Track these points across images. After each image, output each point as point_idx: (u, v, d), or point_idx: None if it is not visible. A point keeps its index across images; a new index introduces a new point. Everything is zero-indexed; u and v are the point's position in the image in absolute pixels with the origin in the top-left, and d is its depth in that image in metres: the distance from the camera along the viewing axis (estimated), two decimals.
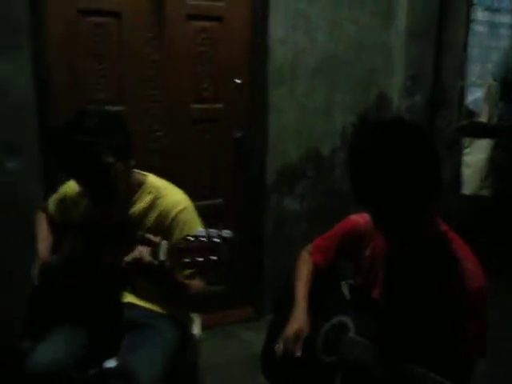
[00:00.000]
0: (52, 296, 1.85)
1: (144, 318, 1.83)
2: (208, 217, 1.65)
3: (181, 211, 1.76)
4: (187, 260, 1.38)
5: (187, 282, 1.70)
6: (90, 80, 2.69)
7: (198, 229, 1.41)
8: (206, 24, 2.88)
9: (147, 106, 2.83)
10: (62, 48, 2.60)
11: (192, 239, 1.38)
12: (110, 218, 1.74)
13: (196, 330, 2.04)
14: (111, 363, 1.81)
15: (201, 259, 1.36)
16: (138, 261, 1.46)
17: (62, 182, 1.97)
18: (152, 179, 1.84)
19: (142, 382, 1.64)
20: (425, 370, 1.30)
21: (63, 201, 1.93)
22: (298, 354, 1.61)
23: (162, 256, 1.43)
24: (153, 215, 1.77)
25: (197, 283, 1.75)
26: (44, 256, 1.90)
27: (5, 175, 2.52)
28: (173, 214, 1.75)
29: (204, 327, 2.10)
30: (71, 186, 1.87)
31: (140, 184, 1.80)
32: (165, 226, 1.75)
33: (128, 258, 1.47)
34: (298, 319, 1.67)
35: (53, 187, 2.06)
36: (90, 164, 1.59)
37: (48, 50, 2.55)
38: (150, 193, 1.79)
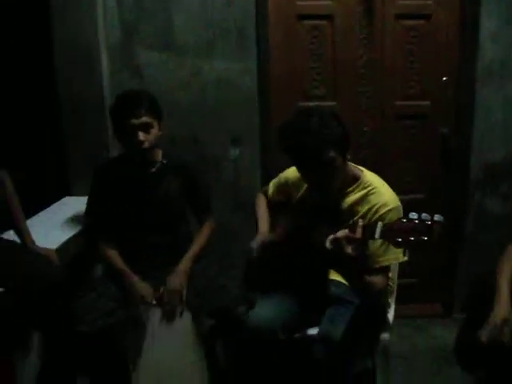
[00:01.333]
0: (268, 267, 2.12)
1: (347, 296, 2.00)
2: (409, 211, 1.71)
3: (389, 211, 1.84)
4: (400, 239, 1.49)
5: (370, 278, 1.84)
6: (306, 78, 2.94)
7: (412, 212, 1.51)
8: (415, 22, 2.92)
9: (357, 101, 2.98)
10: (282, 50, 2.89)
11: (405, 221, 1.50)
12: (326, 204, 1.92)
13: (390, 314, 2.16)
14: (314, 331, 2.03)
15: (412, 238, 1.47)
16: (349, 238, 1.61)
17: (279, 169, 2.23)
18: (367, 175, 1.96)
19: (339, 351, 1.86)
20: None
21: (284, 184, 2.17)
22: (506, 339, 1.66)
23: (378, 235, 1.56)
24: (363, 208, 1.89)
25: (378, 279, 1.87)
26: (264, 231, 2.19)
27: (229, 162, 2.91)
28: (381, 212, 1.85)
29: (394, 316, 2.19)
30: (292, 172, 2.10)
31: (356, 178, 1.93)
32: (371, 221, 1.83)
33: (339, 234, 1.63)
34: (503, 309, 1.73)
35: (269, 173, 2.30)
36: (315, 159, 1.76)
37: (270, 51, 2.86)
38: (364, 188, 1.91)
